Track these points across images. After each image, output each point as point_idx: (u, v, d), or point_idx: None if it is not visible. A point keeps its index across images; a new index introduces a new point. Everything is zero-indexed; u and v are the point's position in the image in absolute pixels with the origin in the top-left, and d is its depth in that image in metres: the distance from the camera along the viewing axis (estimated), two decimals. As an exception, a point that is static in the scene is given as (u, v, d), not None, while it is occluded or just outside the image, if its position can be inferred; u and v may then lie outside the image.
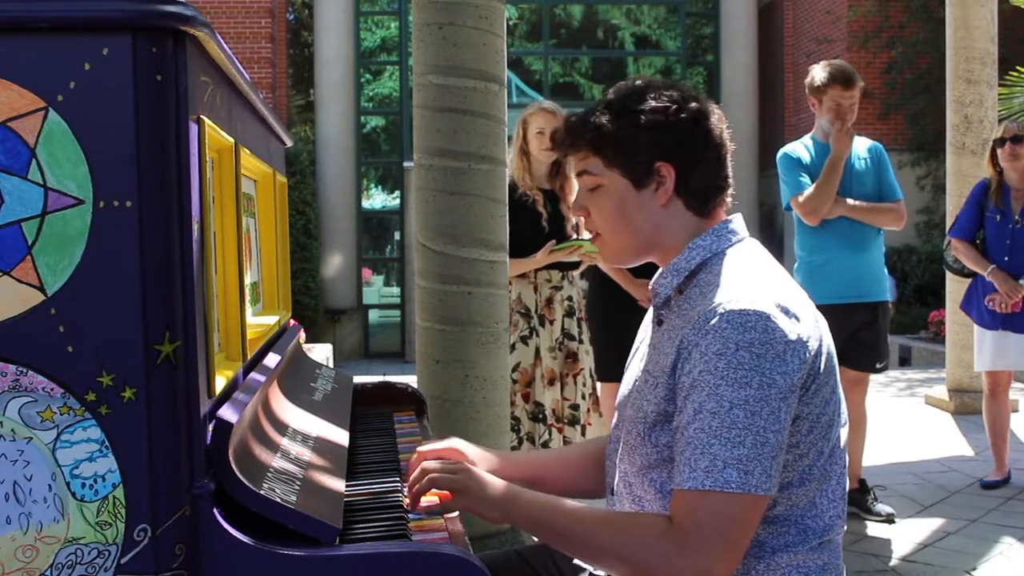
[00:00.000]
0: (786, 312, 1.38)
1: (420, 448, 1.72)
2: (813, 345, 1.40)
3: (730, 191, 1.56)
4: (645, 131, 1.48)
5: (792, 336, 1.36)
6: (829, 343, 1.47)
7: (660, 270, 1.55)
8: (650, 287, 1.57)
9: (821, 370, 1.41)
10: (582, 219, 1.59)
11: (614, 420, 1.65)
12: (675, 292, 1.53)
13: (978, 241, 4.44)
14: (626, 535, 1.38)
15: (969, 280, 4.59)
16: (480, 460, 1.71)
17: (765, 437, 1.32)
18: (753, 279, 1.43)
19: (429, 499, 1.57)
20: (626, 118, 1.50)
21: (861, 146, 4.03)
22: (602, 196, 1.54)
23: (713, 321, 1.37)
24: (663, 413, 1.44)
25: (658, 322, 1.56)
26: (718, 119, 1.54)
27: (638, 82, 1.55)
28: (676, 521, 1.34)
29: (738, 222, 1.55)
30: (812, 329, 1.41)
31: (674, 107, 1.49)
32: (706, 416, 1.34)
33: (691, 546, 1.32)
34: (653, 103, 1.49)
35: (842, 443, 1.48)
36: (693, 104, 1.51)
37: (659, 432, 1.44)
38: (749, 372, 1.33)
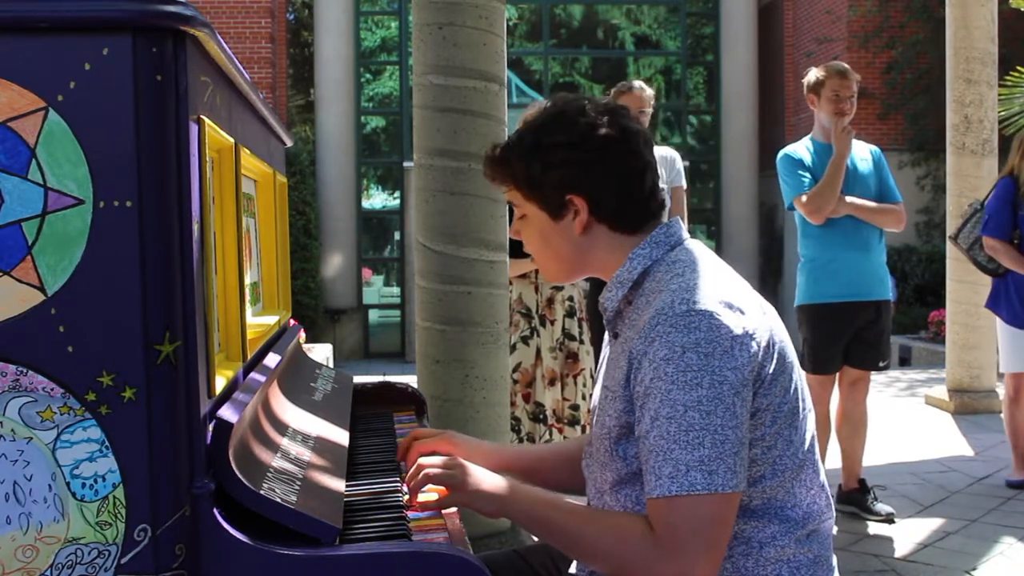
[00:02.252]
0: (729, 307, 1.38)
1: (415, 430, 1.76)
2: (761, 336, 1.40)
3: (662, 199, 1.56)
4: (552, 168, 1.51)
5: (738, 331, 1.36)
6: (781, 333, 1.46)
7: (606, 284, 1.56)
8: (599, 303, 1.57)
9: (774, 360, 1.41)
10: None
11: (588, 433, 1.65)
12: (624, 304, 1.53)
13: (1015, 241, 4.41)
14: (609, 533, 1.40)
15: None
16: (474, 453, 1.72)
17: (724, 435, 1.33)
18: (693, 280, 1.43)
19: (427, 496, 1.58)
20: (535, 156, 1.52)
21: (862, 149, 4.05)
22: (527, 224, 1.59)
23: (658, 327, 1.37)
24: (625, 426, 1.44)
25: (614, 335, 1.57)
26: (630, 137, 1.52)
27: (549, 110, 1.56)
28: (653, 528, 1.35)
29: (676, 226, 1.55)
30: (759, 321, 1.41)
31: (581, 140, 1.50)
32: (663, 422, 1.34)
33: (670, 550, 1.33)
34: (561, 137, 1.50)
35: (810, 432, 1.49)
36: (602, 131, 1.50)
37: (625, 445, 1.45)
38: (699, 373, 1.33)
